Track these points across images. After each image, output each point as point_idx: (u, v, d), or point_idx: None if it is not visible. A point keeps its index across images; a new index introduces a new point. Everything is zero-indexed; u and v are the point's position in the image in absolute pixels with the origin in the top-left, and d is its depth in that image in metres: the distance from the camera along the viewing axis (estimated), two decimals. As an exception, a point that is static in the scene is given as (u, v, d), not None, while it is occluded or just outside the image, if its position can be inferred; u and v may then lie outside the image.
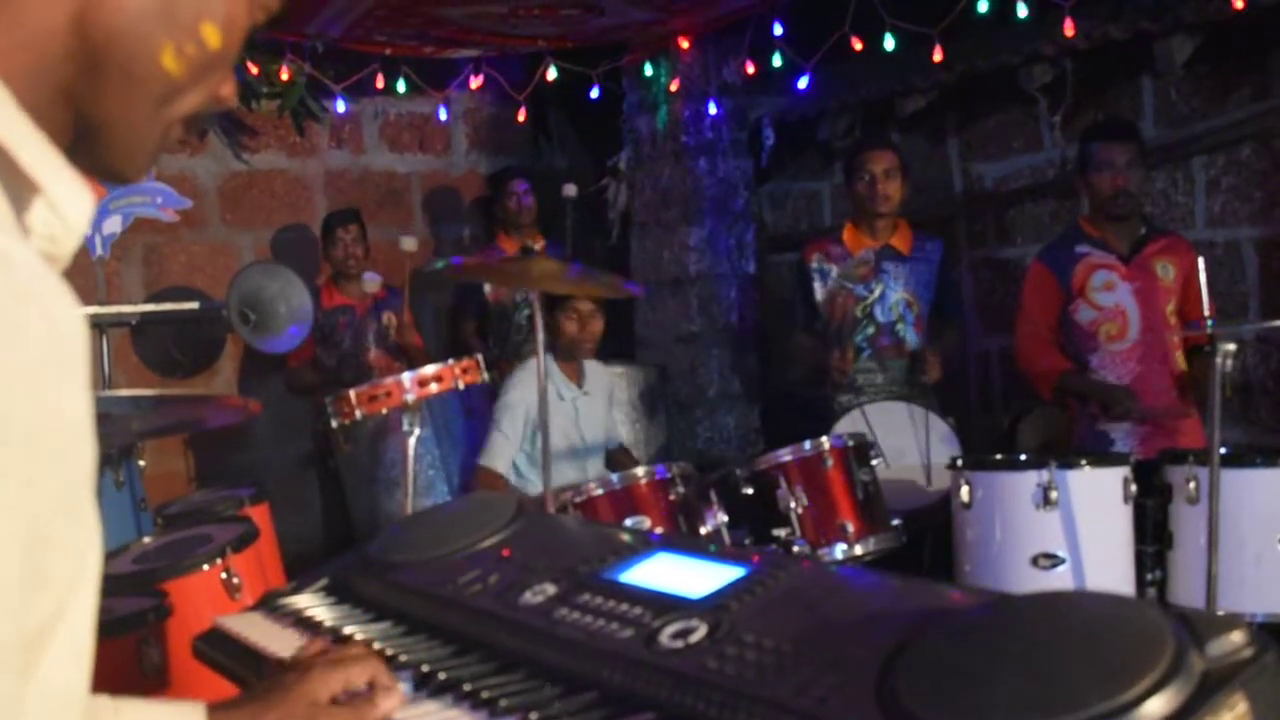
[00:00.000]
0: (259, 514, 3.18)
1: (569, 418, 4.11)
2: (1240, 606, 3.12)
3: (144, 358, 5.62)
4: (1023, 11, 4.18)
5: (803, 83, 4.97)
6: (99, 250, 4.97)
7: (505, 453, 4.06)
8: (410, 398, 2.78)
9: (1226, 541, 3.05)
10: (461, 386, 2.85)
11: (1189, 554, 3.19)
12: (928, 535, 3.56)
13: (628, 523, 3.00)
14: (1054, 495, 3.08)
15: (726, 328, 5.45)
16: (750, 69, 5.15)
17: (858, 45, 4.63)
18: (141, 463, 4.47)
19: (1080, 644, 0.96)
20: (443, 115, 5.76)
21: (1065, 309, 3.94)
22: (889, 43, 4.56)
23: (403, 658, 1.39)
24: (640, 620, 1.29)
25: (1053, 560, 3.10)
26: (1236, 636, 0.95)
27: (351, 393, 2.80)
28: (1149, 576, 3.30)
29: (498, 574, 1.57)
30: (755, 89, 5.44)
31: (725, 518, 3.11)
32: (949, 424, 4.16)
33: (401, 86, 5.36)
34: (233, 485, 3.99)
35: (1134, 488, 3.19)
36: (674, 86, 5.33)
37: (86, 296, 5.12)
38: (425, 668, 1.35)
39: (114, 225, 5.01)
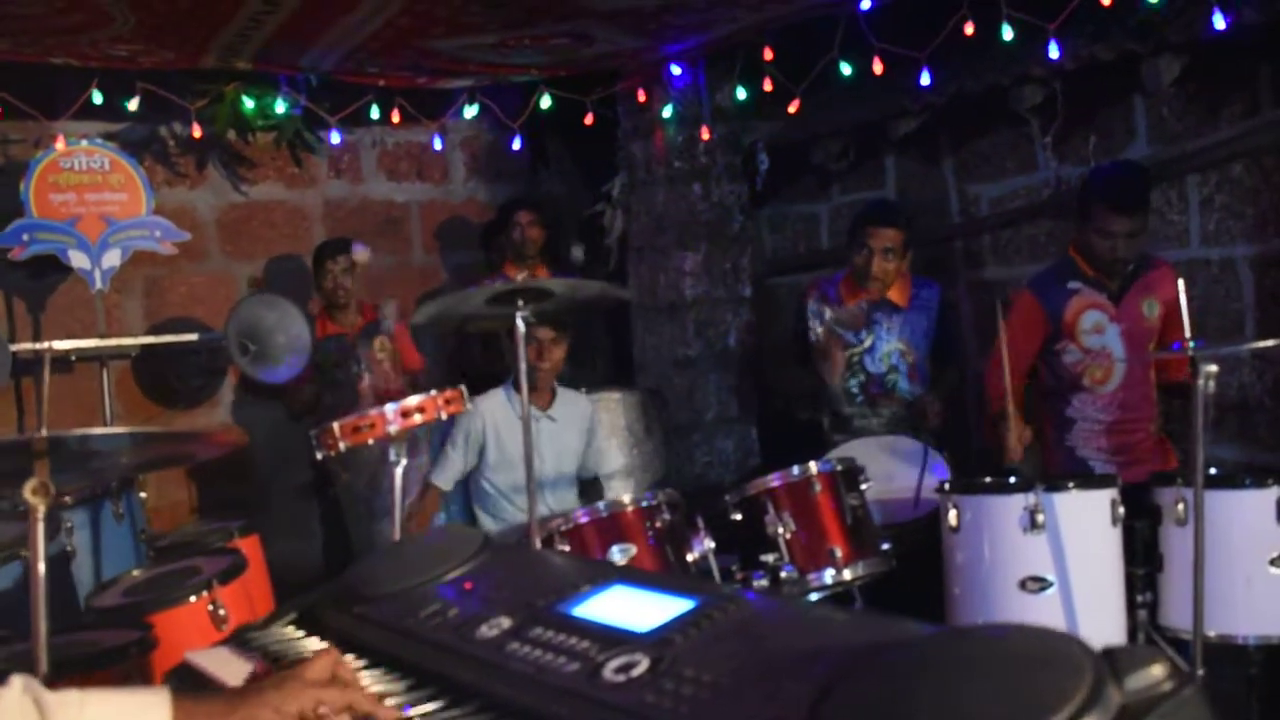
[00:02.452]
0: (249, 545, 3.20)
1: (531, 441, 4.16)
2: (1232, 629, 3.11)
3: (145, 389, 5.65)
4: (1009, 34, 4.18)
5: (792, 108, 4.98)
6: (99, 284, 5.00)
7: (448, 470, 4.17)
8: (393, 429, 2.78)
9: (1216, 563, 3.04)
10: (444, 417, 2.85)
11: (1179, 576, 3.18)
12: (916, 555, 3.54)
13: (614, 549, 3.00)
14: (1040, 518, 3.07)
15: (724, 351, 5.45)
16: (742, 94, 5.17)
17: (846, 70, 4.65)
18: (143, 495, 4.51)
19: (1001, 678, 0.96)
20: (438, 144, 5.78)
21: (1051, 344, 3.94)
22: (877, 67, 4.57)
23: (358, 692, 1.40)
24: (587, 654, 1.30)
25: (1040, 583, 3.09)
26: (1157, 670, 0.95)
27: (335, 425, 2.81)
28: (1139, 599, 3.29)
29: (458, 607, 1.58)
30: (748, 114, 5.46)
31: (712, 544, 3.11)
32: (942, 456, 4.17)
33: (396, 117, 5.39)
34: (224, 517, 4.02)
35: (1122, 510, 3.18)
36: (667, 112, 5.35)
37: (87, 329, 5.16)
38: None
39: (113, 259, 5.03)
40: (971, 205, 5.48)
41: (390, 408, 2.80)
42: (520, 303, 2.83)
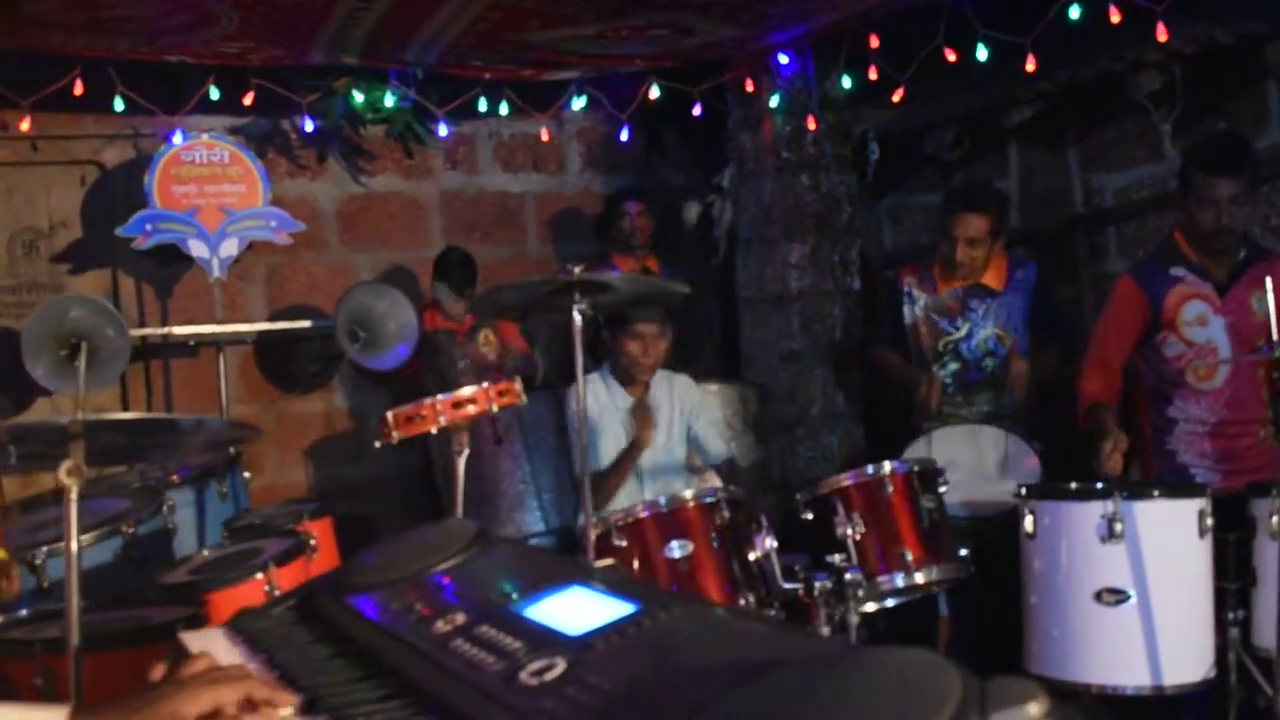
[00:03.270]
0: (320, 528, 3.27)
1: (625, 428, 4.12)
2: (1327, 651, 2.91)
3: (266, 374, 5.85)
4: (1115, 17, 3.98)
5: (896, 96, 4.85)
6: (216, 272, 5.20)
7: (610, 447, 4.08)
8: (444, 419, 2.81)
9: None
10: (495, 409, 2.87)
11: (1274, 593, 2.99)
12: (999, 557, 3.40)
13: (673, 545, 2.98)
14: (1119, 527, 2.92)
15: (830, 345, 5.35)
16: (847, 83, 5.06)
17: (951, 56, 4.50)
18: (246, 474, 4.68)
19: (858, 704, 0.91)
20: (544, 135, 5.81)
21: (1151, 336, 3.70)
22: (981, 53, 4.42)
23: (303, 681, 1.42)
24: (515, 655, 1.29)
25: (1118, 596, 2.94)
26: (1034, 709, 0.89)
27: (389, 414, 2.85)
28: (1231, 616, 3.10)
29: (426, 601, 1.58)
30: (858, 102, 5.34)
31: (774, 544, 3.05)
32: (1034, 448, 4.01)
33: (504, 109, 5.44)
34: (335, 499, 4.11)
35: (1210, 521, 3.00)
36: (774, 102, 5.28)
37: (205, 316, 5.37)
38: (320, 693, 1.37)
39: (231, 248, 5.23)
40: (1095, 196, 5.26)
41: (441, 398, 2.83)
42: (577, 296, 2.82)
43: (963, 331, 4.33)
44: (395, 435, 2.79)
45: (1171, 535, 2.98)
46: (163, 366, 5.66)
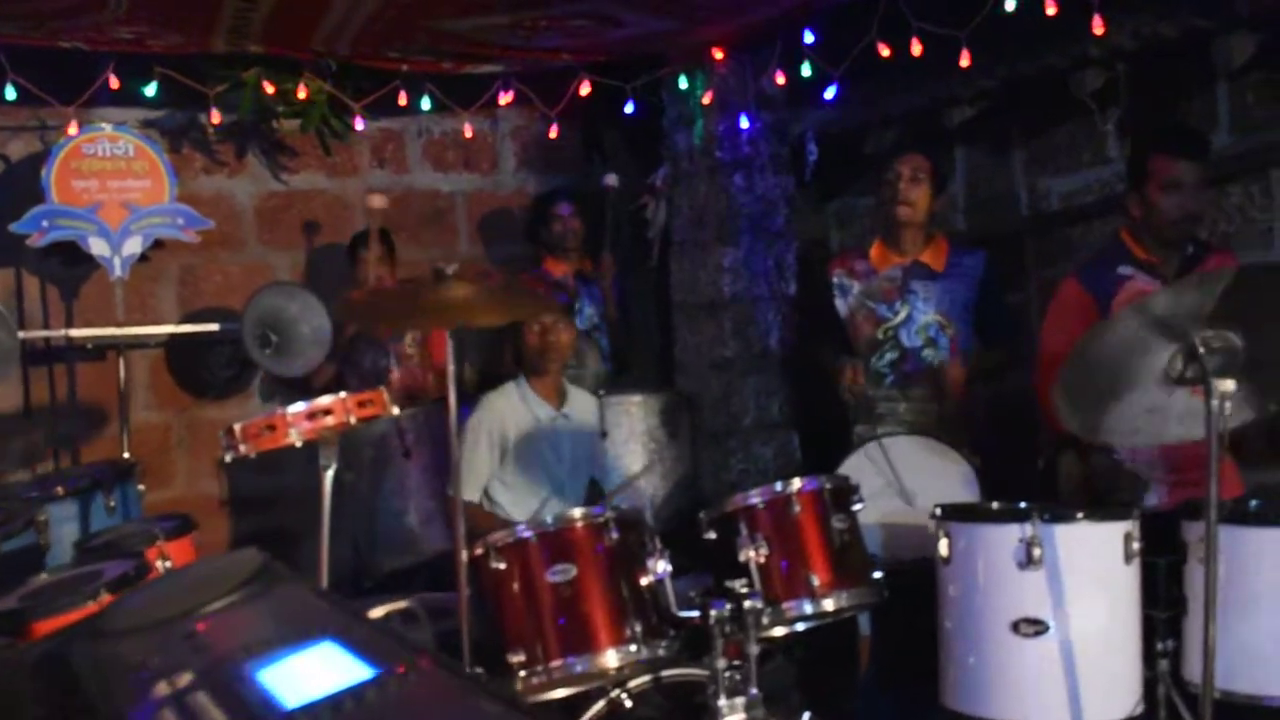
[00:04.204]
0: (177, 549, 3.01)
1: (548, 440, 3.93)
2: (1260, 687, 2.70)
3: (178, 378, 5.58)
4: (1051, 9, 3.77)
5: (830, 93, 4.64)
6: (118, 271, 4.92)
7: (471, 480, 3.90)
8: (296, 433, 2.57)
9: (1241, 610, 2.64)
10: (354, 421, 2.62)
11: (1204, 621, 2.76)
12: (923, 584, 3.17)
13: (555, 569, 2.73)
14: (1038, 553, 2.70)
15: (764, 353, 5.13)
16: (781, 79, 4.83)
17: (885, 52, 4.28)
18: (141, 487, 4.41)
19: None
20: (468, 132, 5.57)
21: None
22: (915, 48, 4.20)
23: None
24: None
25: (1036, 626, 2.71)
26: None
27: (236, 427, 2.60)
28: (1161, 646, 2.88)
29: (166, 654, 1.34)
30: (796, 102, 5.12)
31: (668, 567, 2.81)
32: (973, 465, 3.78)
33: (426, 104, 5.19)
34: (254, 512, 3.81)
35: (1137, 545, 2.78)
36: (708, 99, 5.05)
37: (105, 317, 5.09)
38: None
39: (134, 246, 4.95)
40: (1042, 200, 5.06)
41: (293, 410, 2.59)
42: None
43: (901, 315, 4.11)
44: (242, 449, 2.54)
45: (1095, 561, 2.76)
46: (67, 371, 5.39)
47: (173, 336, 5.38)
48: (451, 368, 2.58)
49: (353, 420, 2.59)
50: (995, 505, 3.04)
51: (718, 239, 5.12)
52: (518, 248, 6.10)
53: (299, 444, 2.68)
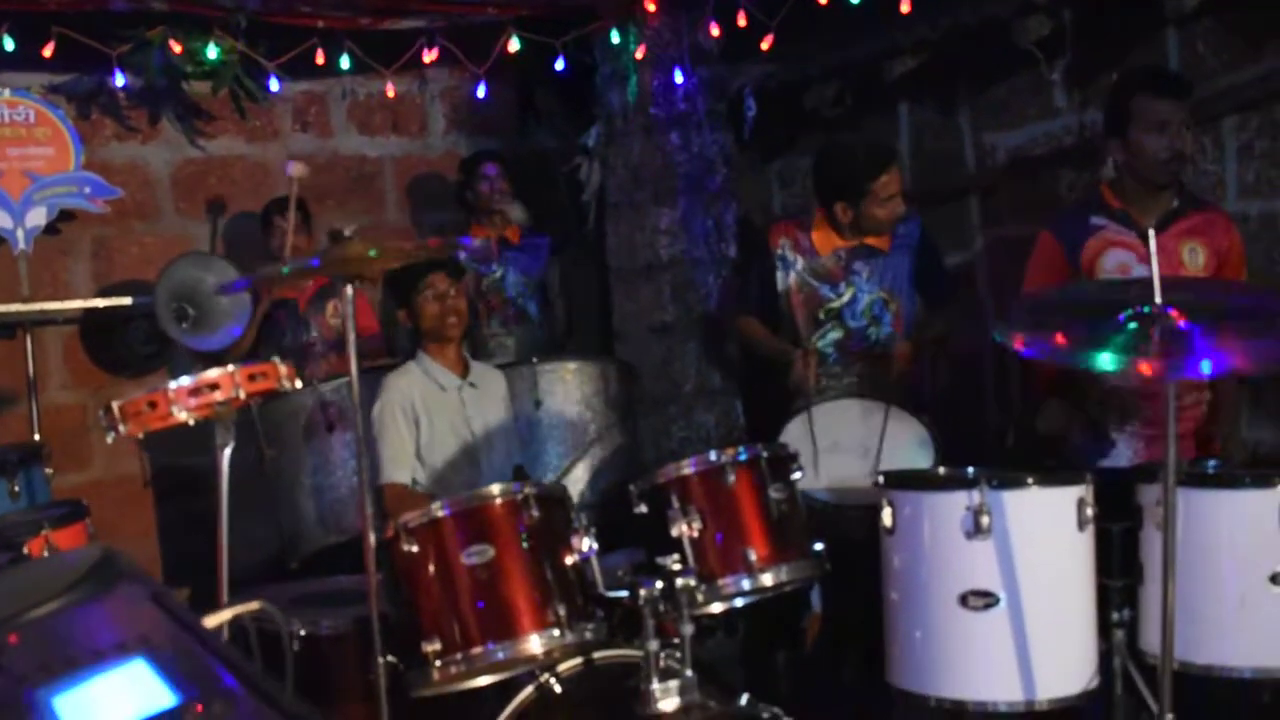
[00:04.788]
0: (68, 537, 2.78)
1: (457, 411, 3.75)
2: (1222, 658, 2.57)
3: (93, 356, 5.32)
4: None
5: (765, 43, 4.44)
6: (21, 244, 4.65)
7: (402, 461, 3.71)
8: (179, 411, 2.36)
9: (1202, 577, 2.52)
10: (243, 396, 2.42)
11: (1160, 590, 2.62)
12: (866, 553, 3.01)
13: (471, 550, 2.54)
14: (986, 521, 2.54)
15: (704, 317, 4.95)
16: (716, 31, 4.62)
17: (822, 0, 4.09)
18: (48, 470, 4.16)
19: None
20: (390, 92, 5.31)
21: None
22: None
23: None
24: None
25: (985, 599, 2.56)
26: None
27: (114, 405, 2.39)
28: (1116, 616, 2.74)
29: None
30: (733, 56, 4.91)
31: (593, 546, 2.63)
32: (922, 422, 3.64)
33: (346, 63, 4.94)
34: (177, 494, 3.58)
35: (1091, 510, 2.63)
36: (640, 54, 4.84)
37: (8, 293, 4.82)
38: None
39: (38, 218, 4.69)
40: (988, 156, 4.91)
41: (175, 385, 2.37)
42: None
43: (845, 297, 3.96)
44: (122, 429, 2.33)
45: (1046, 529, 2.61)
46: (-31, 350, 5.11)
47: (86, 312, 5.11)
48: (352, 328, 2.37)
49: (242, 395, 2.38)
50: (942, 471, 2.88)
51: (654, 200, 4.93)
52: (448, 215, 5.86)
53: (192, 422, 2.45)
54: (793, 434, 3.59)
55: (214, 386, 2.34)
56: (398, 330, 5.05)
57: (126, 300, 4.93)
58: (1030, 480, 2.63)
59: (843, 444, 3.60)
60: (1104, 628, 2.72)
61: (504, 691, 2.70)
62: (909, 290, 3.99)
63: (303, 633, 2.92)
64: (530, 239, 5.26)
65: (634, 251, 5.03)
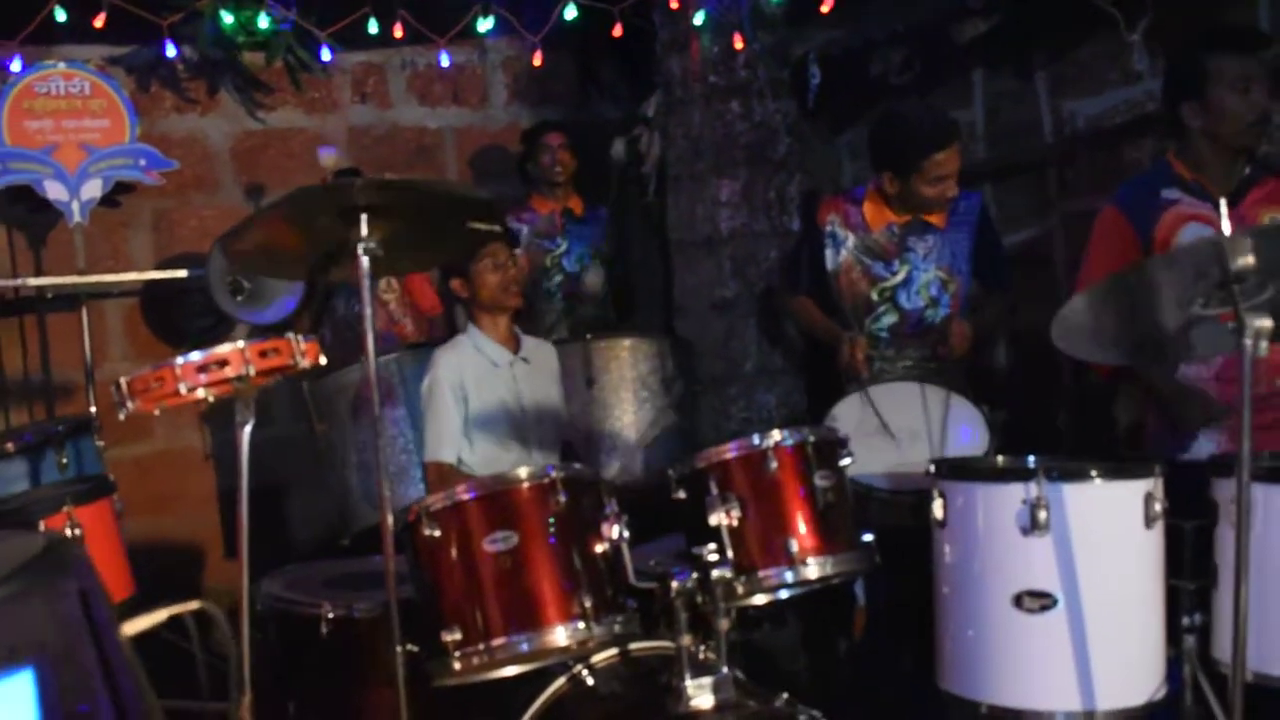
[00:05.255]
0: (92, 514, 2.72)
1: (508, 388, 3.63)
2: (1297, 668, 2.36)
3: (154, 328, 5.32)
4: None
5: (825, 6, 4.23)
6: (77, 216, 4.63)
7: (448, 439, 3.61)
8: (186, 388, 2.27)
9: (1276, 582, 2.29)
10: (253, 373, 2.31)
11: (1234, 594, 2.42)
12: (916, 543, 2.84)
13: (496, 536, 2.43)
14: (1044, 516, 2.36)
15: (766, 293, 4.77)
16: (776, -6, 4.44)
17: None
18: (99, 442, 4.14)
19: None
20: (444, 61, 5.18)
21: None
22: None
23: None
24: None
25: (1041, 600, 2.38)
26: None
27: (123, 380, 2.31)
28: (1186, 621, 2.55)
29: None
30: (796, 20, 4.71)
31: (625, 533, 2.49)
32: (982, 411, 3.45)
33: (399, 32, 4.83)
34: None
35: (1160, 506, 2.43)
36: (699, 20, 4.66)
37: (64, 265, 4.82)
38: None
39: (94, 190, 4.66)
40: (1066, 124, 4.66)
41: (183, 361, 2.28)
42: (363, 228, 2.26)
43: (900, 276, 3.76)
44: (132, 405, 2.25)
45: (1110, 525, 2.41)
46: (37, 321, 5.13)
47: (145, 285, 5.10)
48: (369, 310, 2.26)
49: (252, 371, 2.28)
50: (999, 460, 2.69)
51: (714, 171, 4.75)
52: (510, 187, 5.76)
53: (211, 399, 2.36)
54: (844, 415, 3.42)
55: (223, 363, 2.24)
56: (458, 309, 4.99)
57: (182, 273, 4.89)
58: (1093, 472, 2.44)
59: (899, 427, 3.43)
60: (1173, 633, 2.53)
61: (536, 681, 2.59)
62: (967, 270, 3.78)
63: (331, 615, 2.84)
64: (593, 211, 5.16)
65: (694, 224, 4.87)
